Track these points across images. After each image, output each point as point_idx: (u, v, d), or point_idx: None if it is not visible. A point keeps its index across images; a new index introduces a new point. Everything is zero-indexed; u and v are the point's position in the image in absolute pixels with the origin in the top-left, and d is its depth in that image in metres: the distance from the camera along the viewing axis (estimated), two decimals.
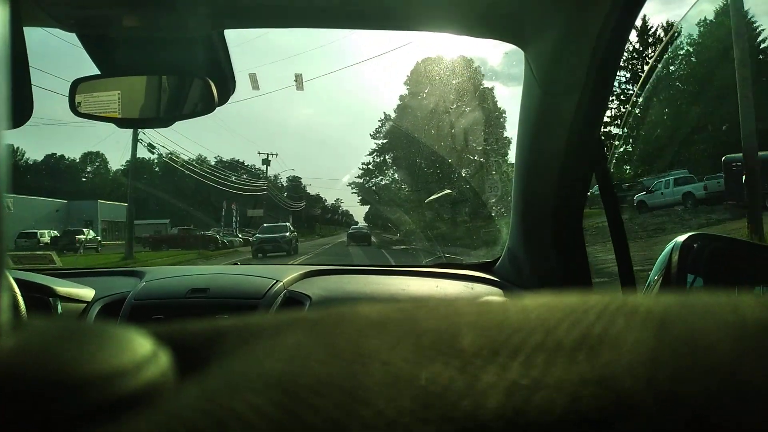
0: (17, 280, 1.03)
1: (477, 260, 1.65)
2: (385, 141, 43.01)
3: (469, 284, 1.48)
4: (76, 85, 1.00)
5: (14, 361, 0.19)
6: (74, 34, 0.98)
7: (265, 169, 44.58)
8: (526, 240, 1.26)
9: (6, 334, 0.21)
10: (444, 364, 0.18)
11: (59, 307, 1.24)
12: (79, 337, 0.22)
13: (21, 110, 0.77)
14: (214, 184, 34.92)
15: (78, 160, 53.68)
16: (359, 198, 46.51)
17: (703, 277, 0.95)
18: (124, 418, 0.18)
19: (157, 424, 0.17)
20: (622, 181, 18.11)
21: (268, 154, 42.14)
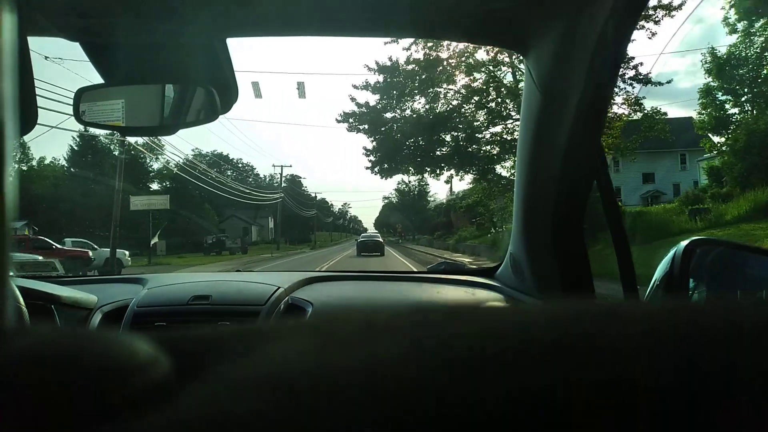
0: (19, 288, 1.04)
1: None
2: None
3: (471, 290, 1.48)
4: (81, 94, 1.01)
5: (17, 365, 0.19)
6: (78, 43, 0.99)
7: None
8: (528, 246, 1.26)
9: (9, 340, 0.21)
10: (443, 369, 0.18)
11: (62, 314, 1.25)
12: (81, 342, 0.22)
13: (26, 119, 0.78)
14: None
15: None
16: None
17: (706, 281, 0.95)
18: (125, 422, 0.18)
19: (158, 429, 0.18)
20: None
21: None
